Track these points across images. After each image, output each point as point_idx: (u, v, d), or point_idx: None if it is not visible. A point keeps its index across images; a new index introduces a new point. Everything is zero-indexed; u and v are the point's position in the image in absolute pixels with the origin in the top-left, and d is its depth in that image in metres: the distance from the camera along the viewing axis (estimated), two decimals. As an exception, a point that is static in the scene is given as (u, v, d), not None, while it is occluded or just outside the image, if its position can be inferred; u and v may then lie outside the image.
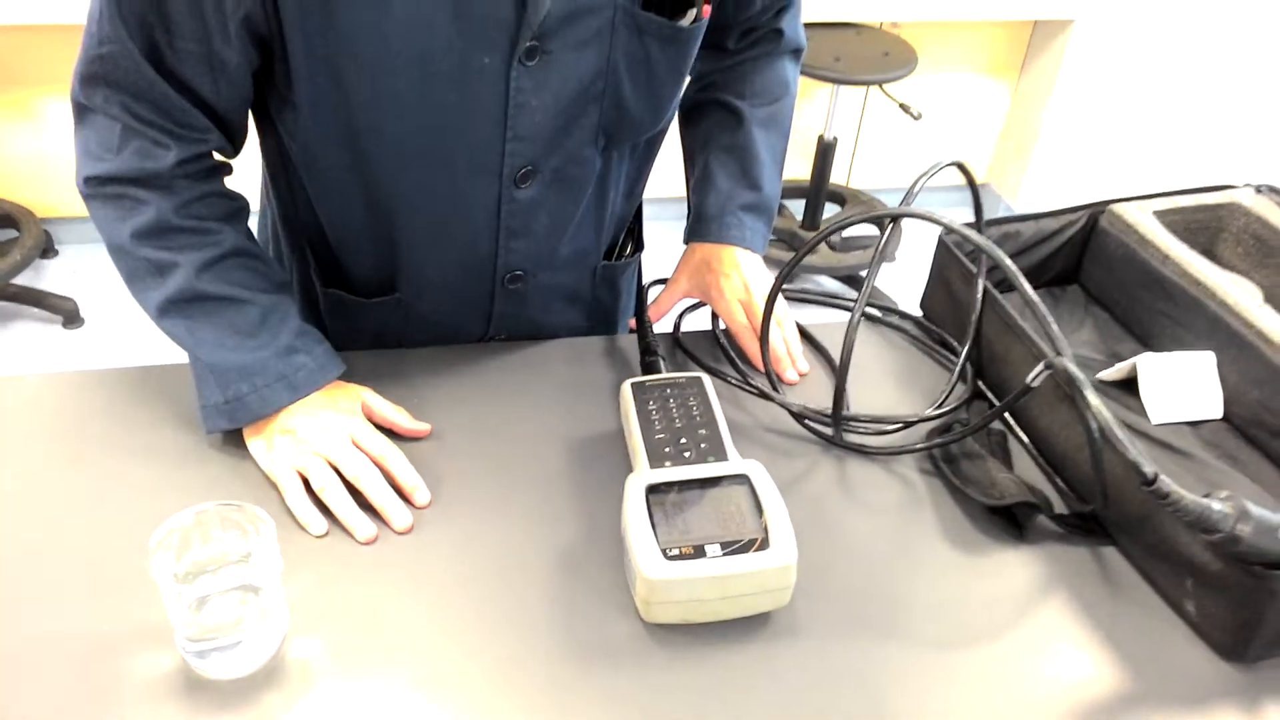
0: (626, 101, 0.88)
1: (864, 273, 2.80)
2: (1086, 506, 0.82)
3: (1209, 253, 1.13)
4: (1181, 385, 0.96)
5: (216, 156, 0.88)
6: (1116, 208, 1.07)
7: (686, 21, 0.86)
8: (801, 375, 0.99)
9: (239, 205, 0.89)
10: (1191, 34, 2.72)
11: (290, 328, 0.87)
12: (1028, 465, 0.90)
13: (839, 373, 0.86)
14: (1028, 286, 0.79)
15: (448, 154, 0.86)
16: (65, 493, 0.81)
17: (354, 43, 0.78)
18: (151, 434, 0.87)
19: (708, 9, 0.87)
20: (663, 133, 1.00)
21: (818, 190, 2.70)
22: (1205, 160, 2.99)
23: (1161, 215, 1.07)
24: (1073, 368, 0.71)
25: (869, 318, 1.08)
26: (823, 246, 2.71)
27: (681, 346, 1.01)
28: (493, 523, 0.82)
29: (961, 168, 0.87)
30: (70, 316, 2.55)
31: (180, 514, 0.69)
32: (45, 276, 2.67)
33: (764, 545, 0.73)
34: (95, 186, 0.83)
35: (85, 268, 2.68)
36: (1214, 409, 0.96)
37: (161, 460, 0.85)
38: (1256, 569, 0.70)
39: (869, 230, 2.85)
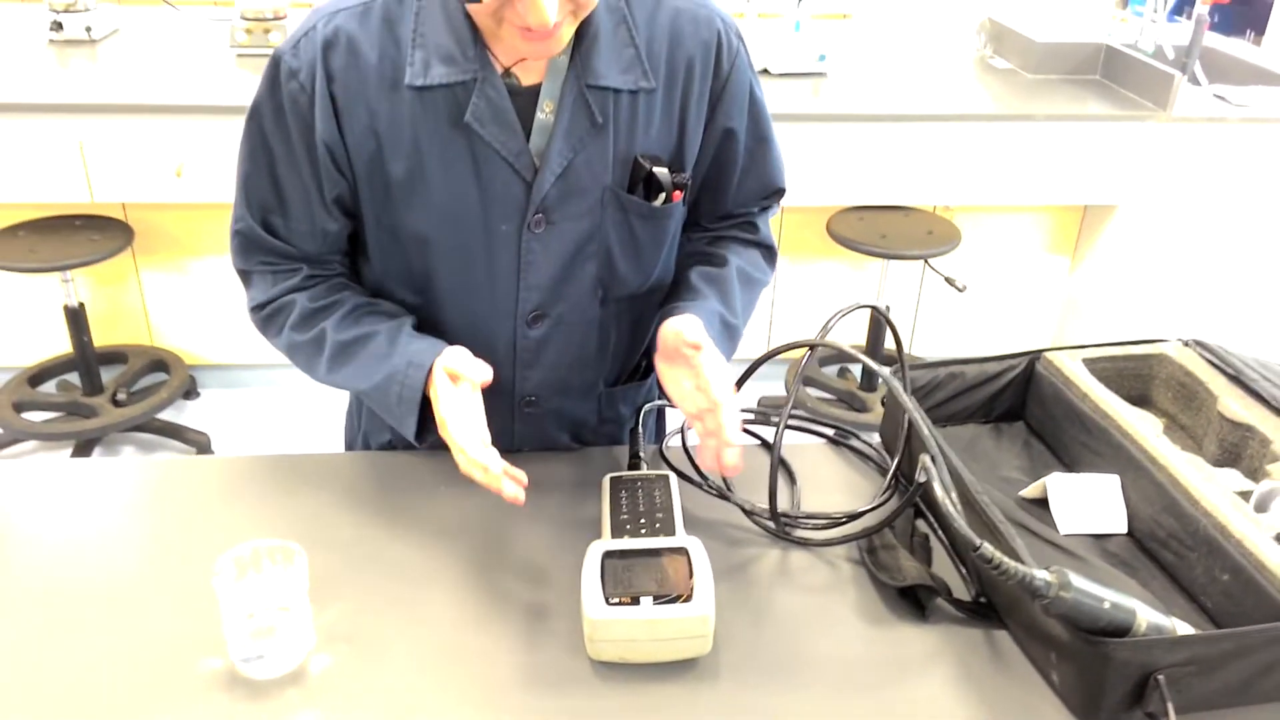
0: (616, 262, 1.13)
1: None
2: (973, 590, 0.98)
3: (1144, 397, 1.28)
4: (1088, 502, 1.10)
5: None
6: (1049, 354, 1.24)
7: (659, 203, 1.10)
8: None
9: (355, 286, 1.16)
10: (1244, 209, 2.86)
11: (407, 333, 1.09)
12: (946, 563, 1.06)
13: (771, 475, 1.04)
14: (909, 402, 0.97)
15: (475, 296, 1.12)
16: (150, 540, 1.06)
17: (407, 215, 1.07)
18: (217, 501, 1.12)
19: (677, 195, 1.11)
20: (659, 290, 1.21)
21: (873, 354, 2.90)
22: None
23: (1091, 363, 1.24)
24: (928, 463, 0.89)
25: (832, 440, 1.26)
26: (877, 405, 2.88)
27: (664, 458, 1.21)
28: (486, 578, 1.02)
29: (874, 309, 1.07)
30: (203, 448, 2.89)
31: (238, 546, 0.92)
32: (186, 414, 3.05)
33: (688, 599, 0.91)
34: (259, 312, 1.14)
35: (220, 409, 3.06)
36: (1118, 525, 1.10)
37: (222, 517, 1.09)
38: (1094, 638, 0.85)
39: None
